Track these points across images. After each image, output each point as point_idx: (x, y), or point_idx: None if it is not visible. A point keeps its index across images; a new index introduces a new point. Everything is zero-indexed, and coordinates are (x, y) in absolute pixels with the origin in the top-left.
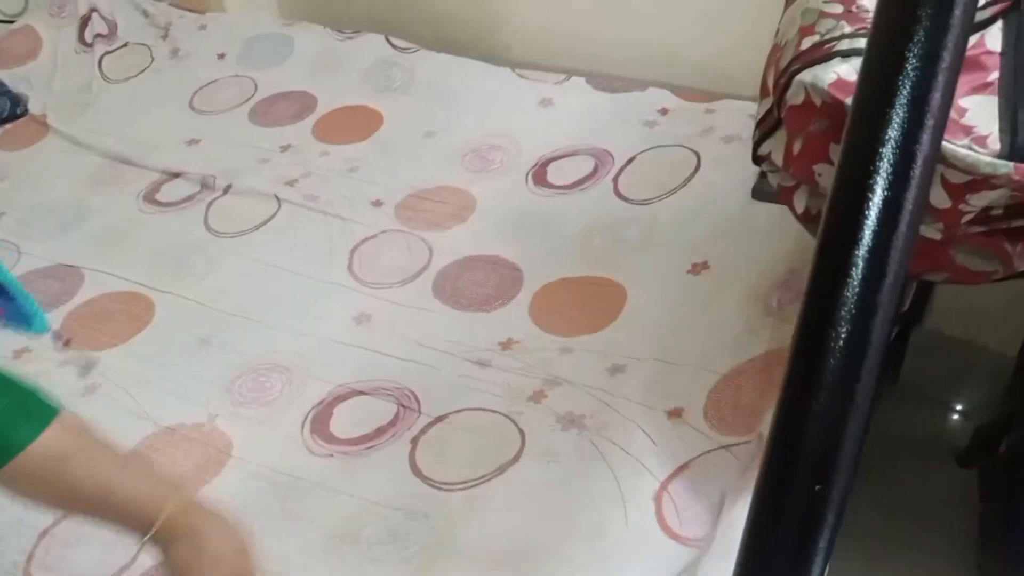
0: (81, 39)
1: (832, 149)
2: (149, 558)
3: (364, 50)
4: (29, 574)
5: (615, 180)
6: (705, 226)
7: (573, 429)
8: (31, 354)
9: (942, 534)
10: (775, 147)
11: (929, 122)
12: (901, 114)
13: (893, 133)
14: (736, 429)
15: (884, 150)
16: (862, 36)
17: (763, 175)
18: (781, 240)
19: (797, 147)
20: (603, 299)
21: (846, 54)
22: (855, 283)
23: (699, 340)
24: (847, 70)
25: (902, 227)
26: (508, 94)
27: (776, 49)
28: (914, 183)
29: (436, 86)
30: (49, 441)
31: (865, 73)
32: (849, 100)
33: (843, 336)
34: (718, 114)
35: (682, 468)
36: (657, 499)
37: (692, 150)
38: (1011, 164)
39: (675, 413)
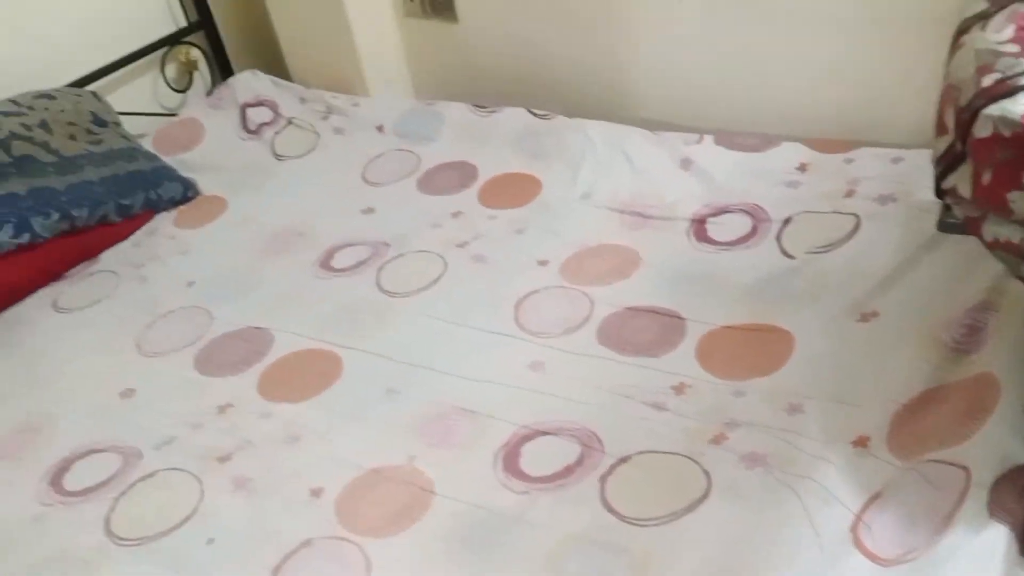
0: (244, 127)
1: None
2: None
3: (508, 122)
4: None
5: (778, 238)
6: (870, 278)
7: (758, 468)
8: (234, 408)
9: None
10: (960, 180)
11: None
12: None
13: None
14: (923, 453)
15: None
16: None
17: (947, 208)
18: (948, 283)
19: (986, 178)
20: (771, 345)
21: None
22: None
23: (875, 379)
24: None
25: None
26: (649, 155)
27: (951, 89)
28: None
29: (582, 150)
30: None
31: None
32: None
33: None
34: (858, 164)
35: (875, 497)
36: (853, 528)
37: (850, 214)
38: None
39: (859, 442)
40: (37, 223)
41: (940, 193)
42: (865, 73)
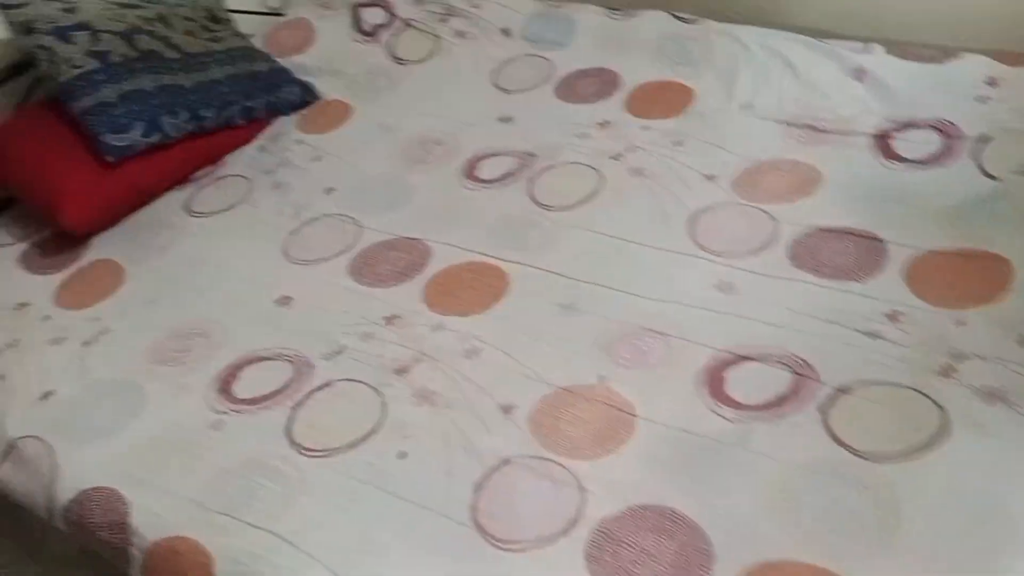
0: (359, 29)
1: None
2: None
3: (648, 26)
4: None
5: (976, 157)
6: None
7: (999, 404)
8: (402, 319)
9: None
10: None
11: None
12: None
13: None
14: None
15: None
16: None
17: None
18: None
19: None
20: (987, 271)
21: None
22: None
23: None
24: None
25: None
26: (815, 63)
27: None
28: None
29: (736, 57)
30: None
31: None
32: None
33: None
34: None
35: None
36: None
37: None
38: None
39: None
40: (167, 123)
41: None
42: None
